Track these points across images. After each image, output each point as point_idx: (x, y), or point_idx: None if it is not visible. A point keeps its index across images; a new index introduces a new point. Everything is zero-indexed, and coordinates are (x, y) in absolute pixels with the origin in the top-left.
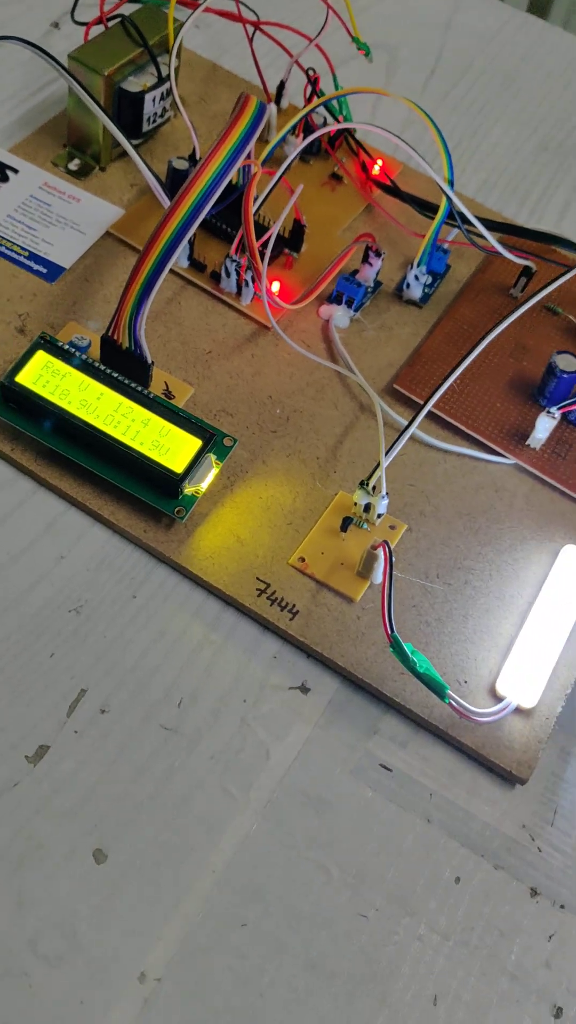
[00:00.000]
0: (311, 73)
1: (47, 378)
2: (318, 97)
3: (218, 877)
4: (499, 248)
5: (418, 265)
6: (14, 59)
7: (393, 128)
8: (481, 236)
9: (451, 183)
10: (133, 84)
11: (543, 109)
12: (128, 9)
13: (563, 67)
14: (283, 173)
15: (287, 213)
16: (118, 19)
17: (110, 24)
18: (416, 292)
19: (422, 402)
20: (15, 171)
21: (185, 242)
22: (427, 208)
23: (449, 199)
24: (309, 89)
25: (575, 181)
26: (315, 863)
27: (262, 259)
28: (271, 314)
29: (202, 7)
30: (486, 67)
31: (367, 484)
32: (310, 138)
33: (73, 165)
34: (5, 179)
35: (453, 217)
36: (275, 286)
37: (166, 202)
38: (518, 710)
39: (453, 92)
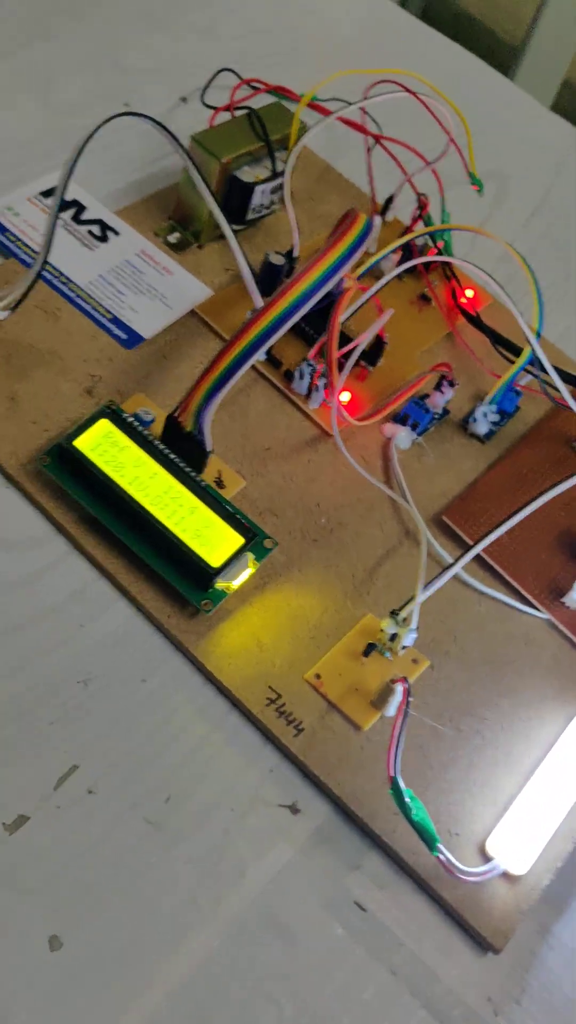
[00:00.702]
0: (422, 197)
1: (105, 447)
2: (423, 222)
3: (169, 990)
4: (572, 403)
5: (489, 403)
6: (139, 126)
7: (492, 260)
8: (555, 388)
9: (538, 334)
10: (247, 174)
11: None
12: (259, 101)
13: None
14: (374, 292)
15: (375, 330)
16: (245, 110)
17: (237, 113)
18: (482, 428)
19: (468, 538)
20: (116, 233)
21: (265, 349)
22: (506, 346)
23: (533, 350)
24: (416, 212)
25: None
26: (269, 996)
27: (340, 370)
28: (336, 426)
29: (332, 116)
30: None
31: (398, 614)
32: (405, 265)
33: (173, 238)
34: (105, 239)
35: (533, 363)
36: (345, 396)
37: (255, 293)
38: (505, 875)
39: (553, 232)
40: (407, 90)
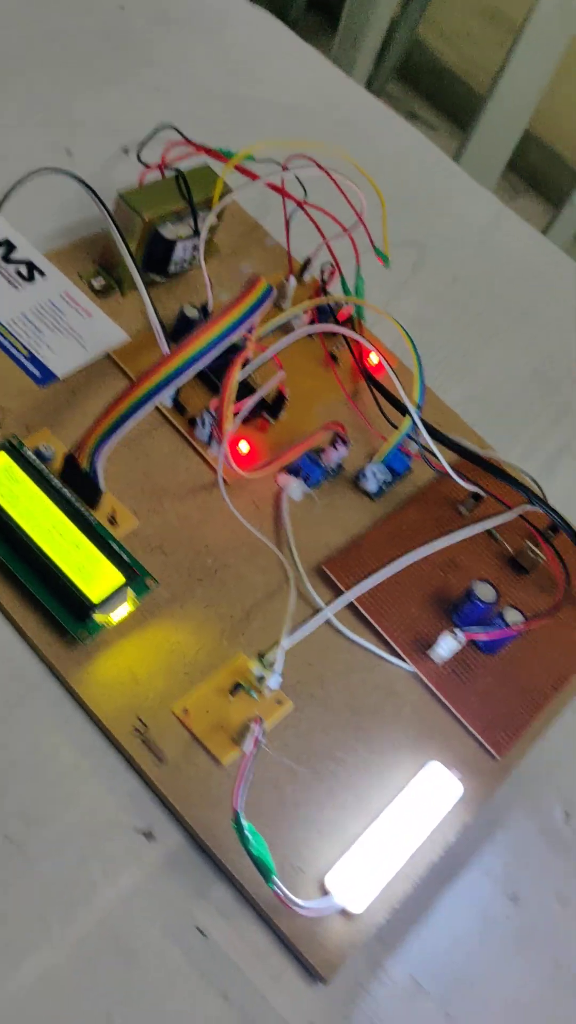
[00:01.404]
0: (329, 267)
1: (2, 480)
2: (324, 291)
3: (9, 1002)
4: (450, 472)
5: (378, 462)
6: (81, 173)
7: (404, 322)
8: (434, 454)
9: (419, 406)
10: (170, 231)
11: (548, 341)
12: (192, 163)
13: None
14: (273, 352)
15: (267, 390)
16: (174, 171)
17: (169, 173)
18: (371, 486)
19: (343, 587)
20: (43, 274)
21: (165, 395)
22: (401, 410)
23: (413, 422)
24: (321, 279)
25: (554, 415)
26: (106, 1014)
27: (235, 421)
28: (222, 475)
29: (256, 182)
30: (507, 288)
31: (264, 657)
32: (303, 331)
33: (97, 283)
34: (31, 279)
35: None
36: (244, 446)
37: (162, 342)
38: (343, 911)
39: (471, 303)
40: (318, 166)
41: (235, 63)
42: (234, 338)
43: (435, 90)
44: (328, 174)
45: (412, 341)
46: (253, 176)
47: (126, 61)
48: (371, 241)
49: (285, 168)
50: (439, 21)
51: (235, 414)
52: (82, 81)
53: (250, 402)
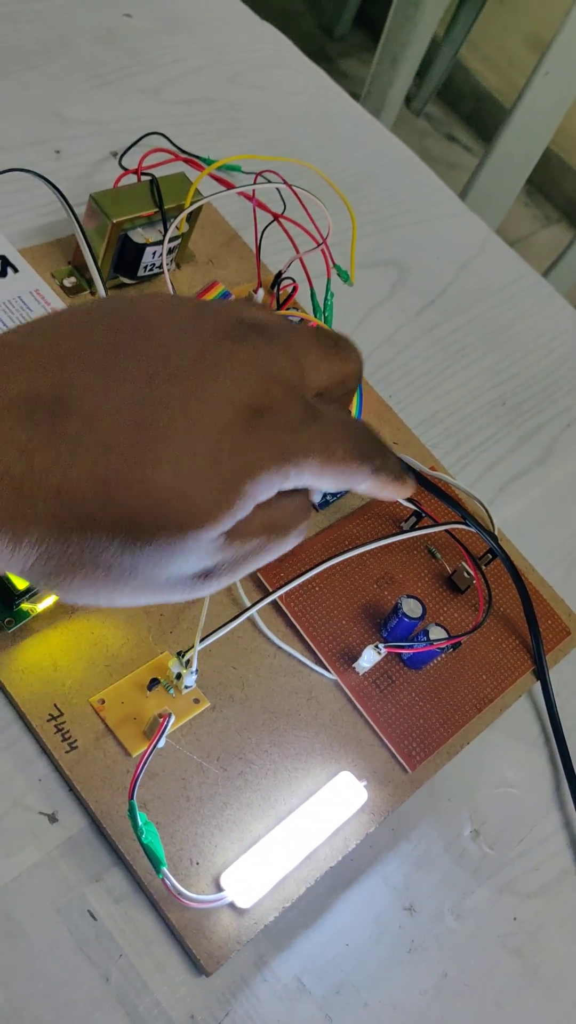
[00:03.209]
0: (289, 281)
1: None
2: (279, 305)
3: None
4: None
5: None
6: (60, 172)
7: (376, 341)
8: None
9: (357, 415)
10: (139, 235)
11: (516, 368)
12: (171, 170)
13: (551, 336)
14: None
15: None
16: (149, 177)
17: (144, 178)
18: (316, 497)
19: (268, 586)
20: (16, 270)
21: None
22: None
23: None
24: (281, 293)
25: (514, 442)
26: None
27: None
28: None
29: (230, 191)
30: (483, 313)
31: (183, 655)
32: None
33: (68, 282)
34: (4, 274)
35: None
36: None
37: None
38: (233, 906)
39: (444, 324)
40: (284, 182)
41: (235, 74)
42: None
43: (474, 113)
44: (293, 190)
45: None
46: (228, 185)
47: (126, 66)
48: (331, 259)
49: (256, 181)
50: (482, 45)
51: None
52: (80, 83)
53: None
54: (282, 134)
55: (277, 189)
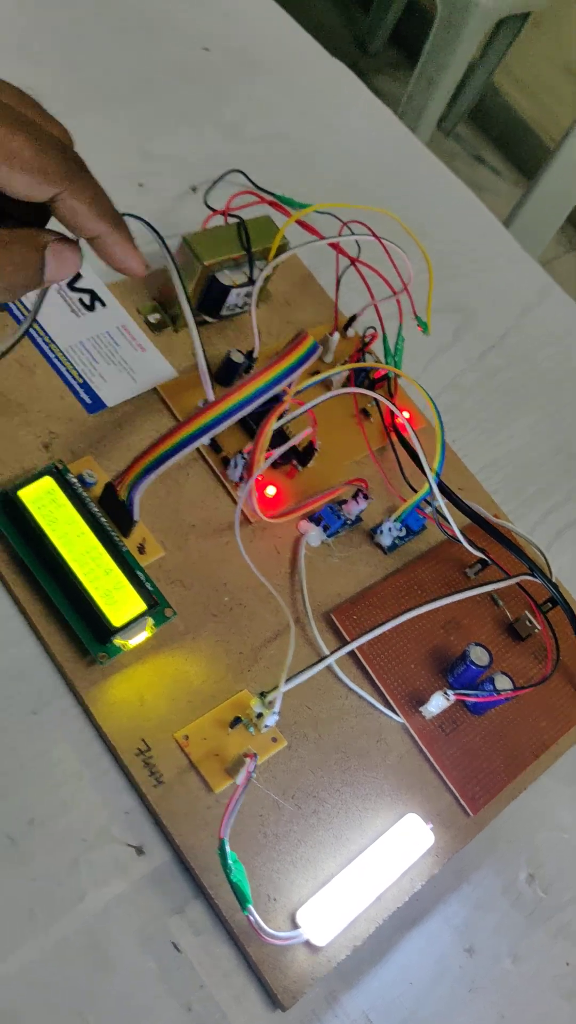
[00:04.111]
0: (370, 331)
1: (45, 502)
2: (364, 355)
3: None
4: (460, 539)
5: (395, 520)
6: (146, 206)
7: (440, 386)
8: (447, 520)
9: (438, 473)
10: (226, 277)
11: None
12: (255, 211)
13: None
14: (309, 407)
15: (297, 440)
16: (237, 219)
17: (231, 219)
18: (386, 540)
19: (346, 634)
20: (103, 305)
21: (205, 440)
22: (412, 456)
23: (430, 489)
24: (360, 342)
25: (572, 490)
26: (74, 1011)
27: (263, 468)
28: (248, 516)
29: (317, 242)
30: (543, 362)
31: (265, 696)
32: (338, 392)
33: (153, 318)
34: (92, 309)
35: (439, 494)
36: (271, 490)
37: (207, 384)
38: (308, 944)
39: (504, 371)
40: (373, 234)
41: (308, 111)
42: (277, 390)
43: (504, 137)
44: (381, 242)
45: (438, 412)
46: (318, 235)
47: (204, 100)
48: (413, 309)
49: (342, 232)
50: (516, 70)
51: (266, 459)
52: (161, 118)
53: (279, 451)
54: (351, 171)
55: (354, 237)
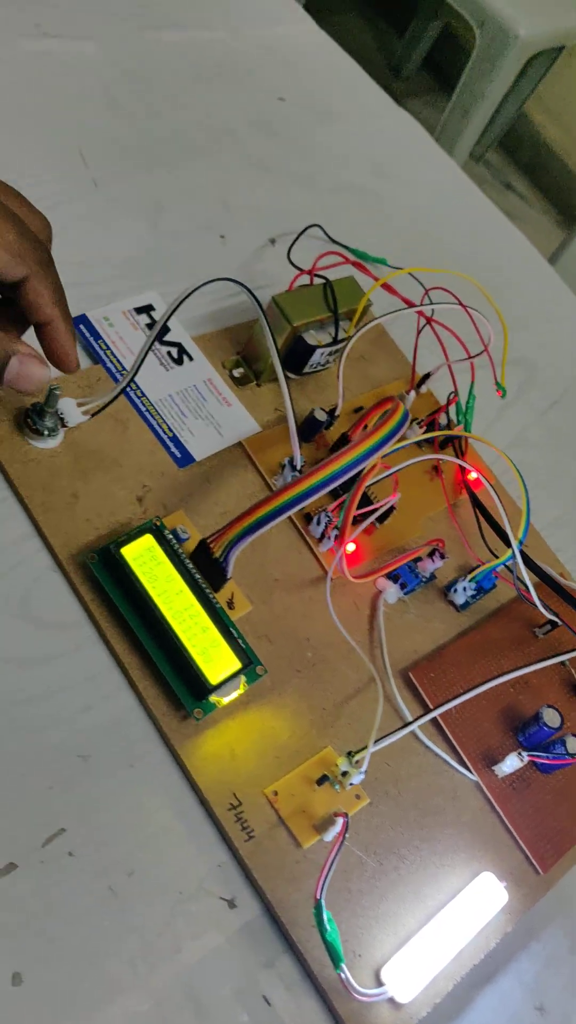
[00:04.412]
0: (451, 396)
1: (146, 559)
2: (447, 416)
3: None
4: (538, 605)
5: (470, 580)
6: (229, 261)
7: (506, 440)
8: (526, 584)
9: (521, 541)
10: (312, 337)
11: None
12: (338, 272)
13: None
14: (395, 471)
15: (383, 508)
16: (323, 280)
17: (316, 279)
18: (459, 599)
19: (428, 700)
20: (191, 359)
21: (304, 504)
22: (490, 521)
23: (514, 557)
24: (440, 413)
25: None
26: None
27: (353, 528)
28: (328, 589)
29: (395, 300)
30: None
31: (353, 756)
32: (420, 459)
33: (237, 372)
34: (180, 362)
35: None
36: (351, 547)
37: (295, 442)
38: (392, 1000)
39: (569, 426)
40: (459, 302)
41: (377, 162)
42: (372, 461)
43: (533, 164)
44: (467, 311)
45: (524, 485)
46: (405, 300)
47: (280, 151)
48: (494, 374)
49: (424, 300)
50: (547, 99)
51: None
52: (241, 170)
53: (368, 520)
54: (418, 221)
55: (430, 299)
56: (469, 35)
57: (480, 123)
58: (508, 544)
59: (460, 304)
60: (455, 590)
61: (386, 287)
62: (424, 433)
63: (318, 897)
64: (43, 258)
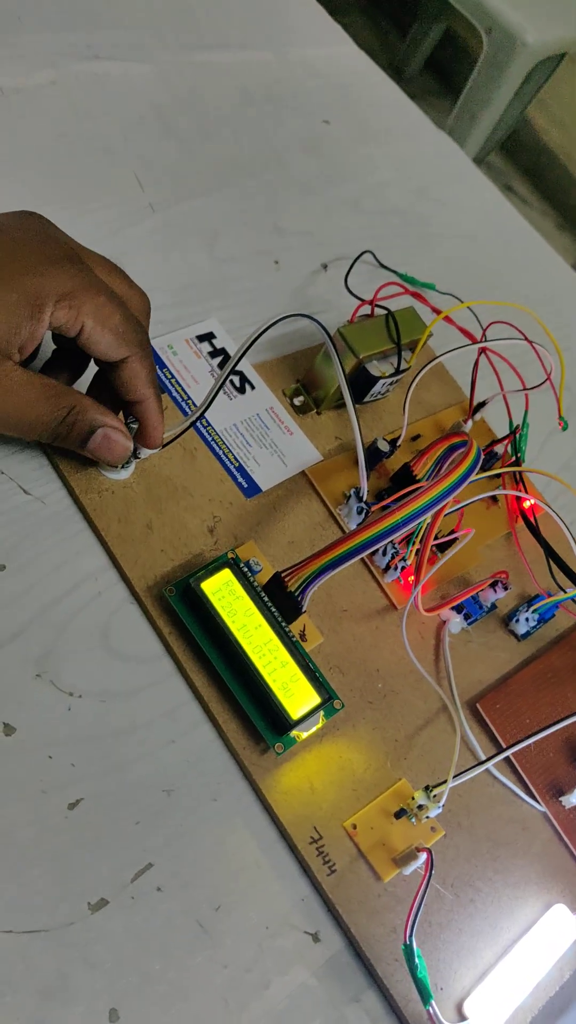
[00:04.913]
0: (515, 428)
1: (224, 593)
2: (512, 451)
3: None
4: None
5: (532, 611)
6: (285, 286)
7: (557, 465)
8: None
9: None
10: (375, 368)
11: None
12: (396, 302)
13: None
14: (463, 507)
15: (455, 551)
16: (384, 311)
17: (379, 311)
18: (521, 629)
19: (500, 736)
20: (253, 387)
21: (382, 545)
22: (555, 559)
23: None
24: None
25: None
26: None
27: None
28: (405, 623)
29: (461, 349)
30: None
31: (431, 790)
32: (488, 494)
33: (297, 400)
34: (243, 391)
35: None
36: (414, 577)
37: (363, 472)
38: None
39: None
40: (525, 338)
41: (420, 185)
42: (446, 502)
43: (534, 168)
44: (532, 345)
45: None
46: (472, 338)
47: (326, 174)
48: (559, 409)
49: (484, 336)
50: (551, 103)
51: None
52: (291, 193)
53: (441, 562)
54: (462, 246)
55: (486, 336)
56: (472, 38)
57: (486, 128)
58: (573, 580)
59: (526, 339)
60: (517, 620)
61: (453, 323)
62: (486, 469)
63: (408, 936)
64: (143, 339)
